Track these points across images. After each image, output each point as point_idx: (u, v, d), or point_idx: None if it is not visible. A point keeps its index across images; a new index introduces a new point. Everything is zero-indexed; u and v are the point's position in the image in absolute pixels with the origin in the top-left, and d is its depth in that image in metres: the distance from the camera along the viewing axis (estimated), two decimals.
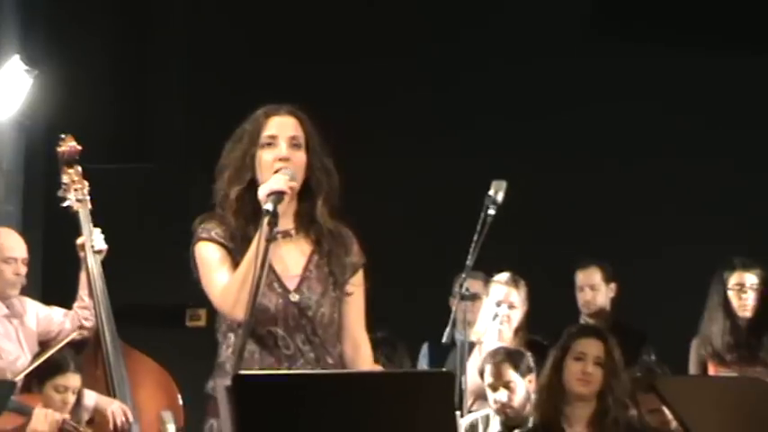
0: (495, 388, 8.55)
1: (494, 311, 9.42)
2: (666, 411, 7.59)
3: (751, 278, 9.33)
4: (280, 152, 5.97)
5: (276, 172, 5.93)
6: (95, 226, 8.60)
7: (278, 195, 5.81)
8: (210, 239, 6.02)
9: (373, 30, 11.82)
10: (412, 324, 9.20)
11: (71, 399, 7.83)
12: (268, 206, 5.78)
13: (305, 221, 6.08)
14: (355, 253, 6.15)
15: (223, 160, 6.11)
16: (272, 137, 6.00)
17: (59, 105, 10.29)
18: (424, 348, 9.70)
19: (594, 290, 10.08)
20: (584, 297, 10.08)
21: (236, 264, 5.96)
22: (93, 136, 9.25)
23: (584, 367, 7.70)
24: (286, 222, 6.03)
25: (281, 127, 6.04)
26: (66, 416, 7.69)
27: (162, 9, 11.80)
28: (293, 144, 6.00)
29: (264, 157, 5.99)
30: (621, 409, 7.79)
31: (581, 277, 10.14)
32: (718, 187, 11.10)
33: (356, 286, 6.14)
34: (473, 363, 8.94)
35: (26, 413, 7.54)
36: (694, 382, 8.40)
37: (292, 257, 6.06)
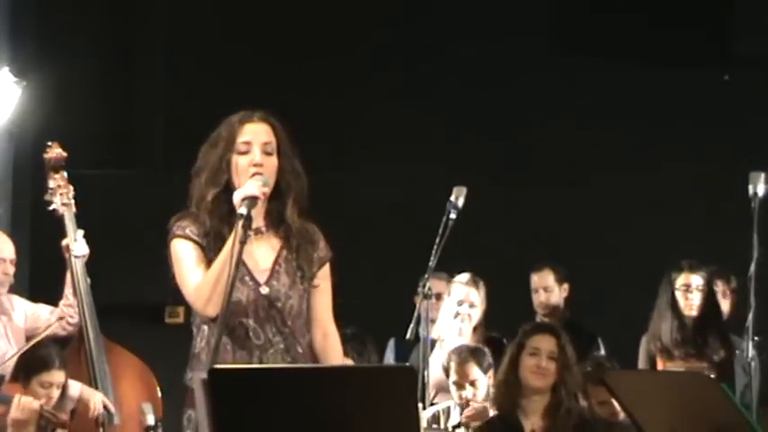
0: (460, 386, 8.64)
1: (455, 310, 9.48)
2: (615, 403, 7.60)
3: (697, 279, 9.35)
4: (254, 158, 6.04)
5: (252, 177, 6.00)
6: (79, 228, 8.52)
7: (252, 200, 5.89)
8: (185, 237, 6.10)
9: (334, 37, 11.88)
10: (379, 321, 9.24)
11: (55, 394, 7.83)
12: (242, 210, 5.86)
13: (275, 220, 6.16)
14: (322, 248, 6.21)
15: (199, 162, 6.17)
16: (247, 143, 6.07)
17: (46, 114, 10.25)
18: (391, 344, 9.75)
19: (548, 291, 10.23)
20: (538, 298, 10.24)
21: (209, 261, 6.03)
22: (78, 143, 9.19)
23: (539, 362, 7.75)
24: (257, 221, 6.09)
25: (255, 134, 6.10)
26: (42, 401, 7.64)
27: (145, 22, 11.71)
28: (266, 150, 6.08)
29: (240, 162, 6.05)
30: (574, 401, 7.85)
31: (535, 279, 10.28)
32: (665, 192, 11.16)
33: (323, 279, 6.21)
34: (435, 358, 9.06)
35: (8, 403, 7.54)
36: (641, 375, 8.54)
37: (263, 253, 6.13)
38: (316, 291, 6.19)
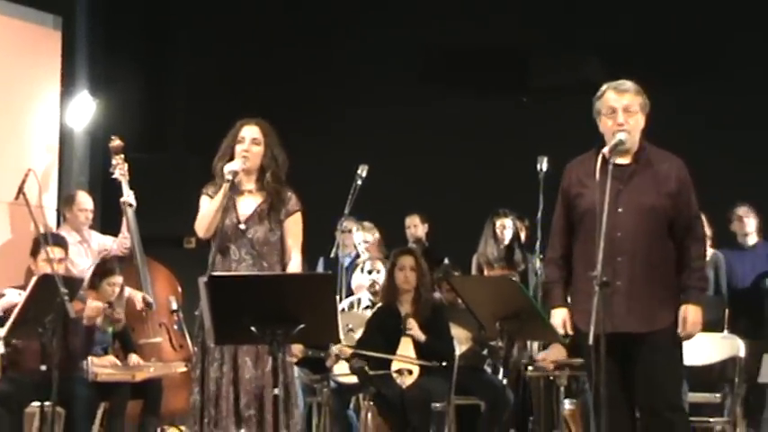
0: (370, 272, 8.79)
1: (362, 245, 9.66)
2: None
3: (508, 222, 9.38)
4: (243, 146, 6.10)
5: (239, 158, 6.05)
6: (131, 189, 8.59)
7: (234, 172, 5.96)
8: (205, 194, 6.14)
9: None
10: (313, 247, 9.16)
11: (116, 291, 7.64)
12: (228, 177, 5.95)
13: (260, 185, 6.14)
14: (292, 204, 6.14)
15: (220, 149, 6.17)
16: (242, 138, 6.11)
17: (110, 117, 10.04)
18: (321, 261, 9.56)
19: (415, 227, 10.18)
20: (409, 232, 10.19)
21: None
22: (130, 136, 9.23)
23: (405, 273, 7.71)
24: (249, 185, 6.14)
25: (248, 132, 6.12)
26: (107, 304, 7.47)
27: (173, 50, 11.50)
28: (253, 142, 6.10)
29: (237, 148, 6.09)
30: (430, 294, 7.82)
31: (408, 221, 10.25)
32: (491, 177, 10.89)
33: (292, 223, 6.13)
34: (357, 273, 9.06)
35: (84, 301, 7.35)
36: (472, 278, 8.62)
37: (248, 204, 6.13)
38: (285, 231, 6.12)
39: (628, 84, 5.47)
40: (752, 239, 8.98)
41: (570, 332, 5.46)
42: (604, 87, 5.49)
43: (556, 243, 5.62)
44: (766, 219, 9.13)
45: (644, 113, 5.47)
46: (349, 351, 7.44)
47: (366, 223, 9.69)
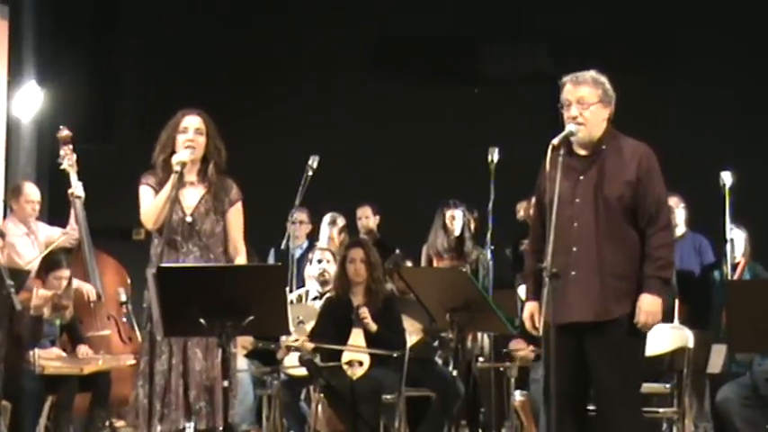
0: (320, 261, 8.73)
1: (327, 231, 9.73)
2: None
3: (458, 213, 9.37)
4: (187, 137, 6.04)
5: (185, 148, 6.02)
6: (79, 180, 8.49)
7: (182, 163, 5.92)
8: (146, 184, 6.09)
9: None
10: (264, 238, 9.05)
11: (63, 283, 7.55)
12: (177, 168, 5.90)
13: (202, 176, 6.10)
14: (234, 194, 6.10)
15: (159, 140, 6.11)
16: (185, 128, 6.06)
17: (57, 108, 10.02)
18: (271, 252, 9.60)
19: (367, 218, 10.15)
20: (361, 223, 10.14)
21: None
22: (78, 126, 8.97)
23: (355, 265, 7.66)
24: (191, 176, 6.08)
25: (191, 122, 6.07)
26: (54, 292, 7.41)
27: (122, 43, 11.41)
28: (197, 132, 6.05)
29: (179, 139, 6.04)
30: (381, 284, 7.76)
31: (359, 212, 10.20)
32: (443, 167, 10.95)
33: (234, 213, 6.10)
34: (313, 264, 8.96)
35: (31, 291, 7.28)
36: (422, 269, 8.66)
37: (192, 195, 6.08)
38: (228, 221, 6.09)
39: (586, 75, 5.44)
40: (680, 230, 9.04)
41: (537, 325, 5.39)
42: (564, 79, 5.47)
43: (531, 235, 5.62)
44: (694, 209, 9.18)
45: (605, 104, 5.42)
46: (311, 346, 7.43)
47: (339, 220, 9.82)
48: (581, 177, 5.38)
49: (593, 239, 5.30)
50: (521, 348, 7.56)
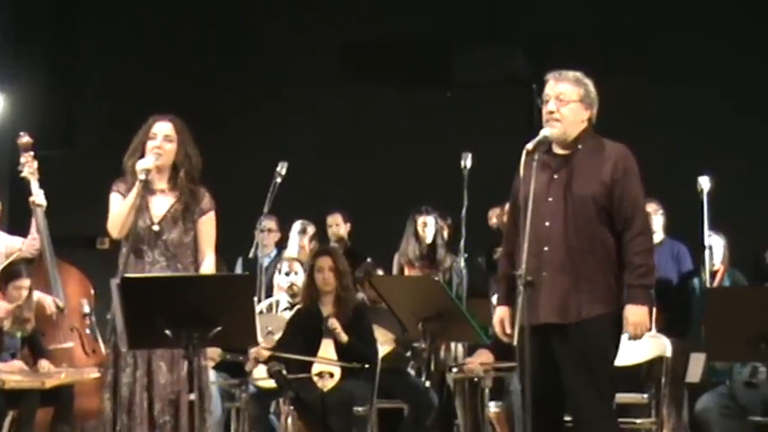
0: (288, 273, 8.69)
1: (297, 240, 9.68)
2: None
3: (430, 219, 9.36)
4: (155, 143, 5.95)
5: (151, 154, 5.93)
6: (40, 188, 8.25)
7: (146, 170, 5.84)
8: (116, 191, 6.00)
9: None
10: (231, 246, 9.10)
11: (24, 294, 7.50)
12: (141, 176, 5.83)
13: (172, 184, 6.02)
14: (205, 203, 6.03)
15: (131, 146, 6.03)
16: (155, 134, 5.97)
17: (18, 114, 9.91)
18: (239, 261, 9.57)
19: (337, 227, 10.10)
20: (331, 231, 10.10)
21: None
22: (39, 132, 8.85)
23: (323, 274, 7.57)
24: (161, 184, 6.01)
25: (161, 128, 5.99)
26: (16, 305, 7.37)
27: (88, 46, 11.41)
28: (166, 139, 5.97)
29: (149, 145, 5.95)
30: (351, 294, 7.68)
31: (329, 220, 10.16)
32: (415, 173, 11.01)
33: (205, 223, 6.02)
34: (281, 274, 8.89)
35: None
36: (393, 278, 8.69)
37: (161, 204, 6.00)
38: (198, 231, 6.00)
39: (569, 73, 5.42)
40: (657, 237, 9.02)
41: (508, 331, 5.35)
42: (548, 75, 5.45)
43: (505, 239, 5.58)
44: (672, 215, 9.12)
45: (585, 104, 5.41)
46: (266, 353, 7.36)
47: (310, 228, 9.79)
48: (555, 176, 5.34)
49: (564, 238, 5.25)
50: (472, 362, 7.49)
